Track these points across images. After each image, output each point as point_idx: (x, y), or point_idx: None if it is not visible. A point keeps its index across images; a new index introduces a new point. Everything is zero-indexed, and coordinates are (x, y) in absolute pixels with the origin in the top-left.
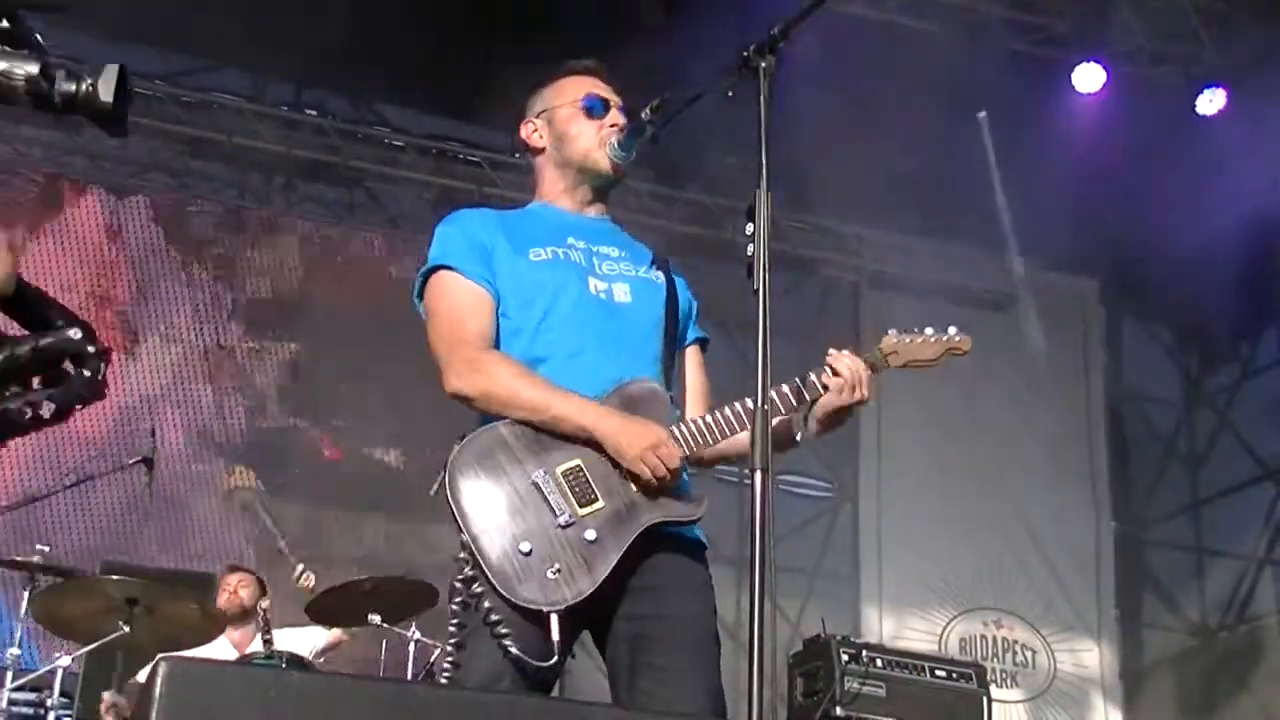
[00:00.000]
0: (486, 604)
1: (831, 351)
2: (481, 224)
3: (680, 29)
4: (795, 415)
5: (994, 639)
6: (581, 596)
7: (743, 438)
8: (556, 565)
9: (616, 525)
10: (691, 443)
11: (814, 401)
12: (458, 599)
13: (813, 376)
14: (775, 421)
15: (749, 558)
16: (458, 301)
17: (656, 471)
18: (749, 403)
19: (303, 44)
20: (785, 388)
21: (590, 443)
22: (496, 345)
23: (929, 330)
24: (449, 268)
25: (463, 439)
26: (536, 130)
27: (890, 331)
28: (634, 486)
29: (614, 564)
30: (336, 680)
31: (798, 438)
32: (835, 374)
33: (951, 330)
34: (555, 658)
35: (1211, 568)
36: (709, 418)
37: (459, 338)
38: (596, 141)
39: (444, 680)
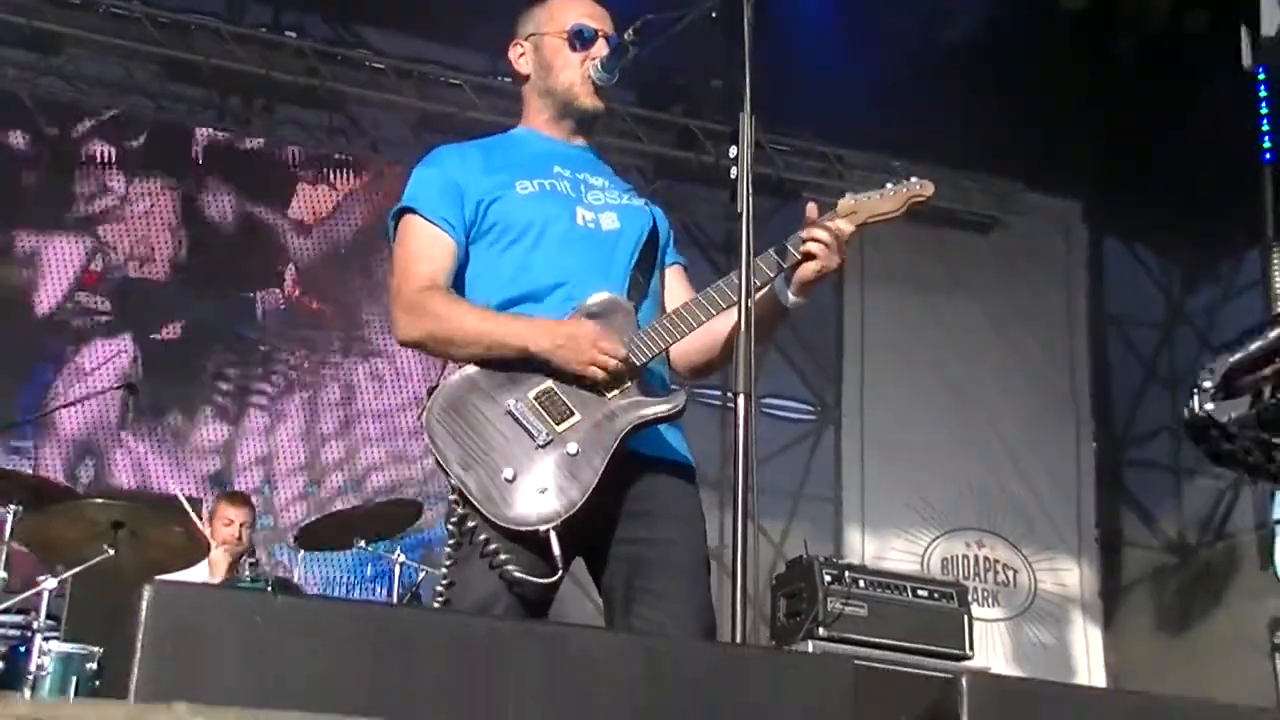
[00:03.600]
0: (482, 536)
1: (810, 216)
2: (459, 162)
3: None
4: (774, 282)
5: (975, 559)
6: (574, 508)
7: (720, 325)
8: (543, 485)
9: (597, 435)
10: (666, 336)
11: (793, 267)
12: (452, 540)
13: (790, 246)
14: (760, 297)
15: (732, 481)
16: (413, 248)
17: (608, 365)
18: (717, 287)
19: None
20: (764, 261)
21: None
22: (478, 279)
23: (887, 185)
24: (414, 211)
25: (435, 388)
26: (524, 55)
27: (846, 195)
28: (607, 395)
29: (600, 471)
30: (323, 604)
31: (787, 305)
32: (816, 239)
33: (912, 179)
34: (559, 573)
35: (1190, 487)
36: (682, 308)
37: (404, 284)
38: (580, 75)
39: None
